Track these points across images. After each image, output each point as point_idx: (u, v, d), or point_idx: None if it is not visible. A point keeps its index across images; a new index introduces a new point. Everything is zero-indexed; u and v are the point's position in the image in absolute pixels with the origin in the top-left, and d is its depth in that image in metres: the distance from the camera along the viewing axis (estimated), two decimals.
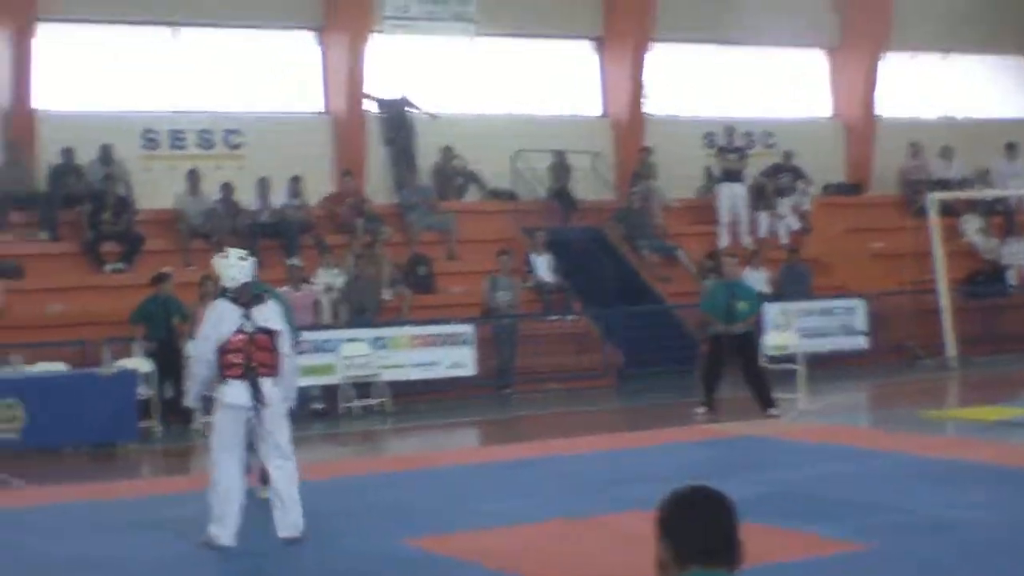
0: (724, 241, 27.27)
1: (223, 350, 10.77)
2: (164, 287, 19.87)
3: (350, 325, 21.56)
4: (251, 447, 11.19)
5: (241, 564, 10.41)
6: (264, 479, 11.78)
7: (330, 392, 20.96)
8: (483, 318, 22.74)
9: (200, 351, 11.01)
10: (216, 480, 10.85)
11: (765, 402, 18.28)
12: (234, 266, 11.04)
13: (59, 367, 19.13)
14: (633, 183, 27.32)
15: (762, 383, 18.51)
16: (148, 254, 22.46)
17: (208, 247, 23.18)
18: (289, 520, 10.88)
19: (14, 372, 18.35)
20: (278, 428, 11.03)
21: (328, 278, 22.64)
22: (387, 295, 22.97)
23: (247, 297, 10.93)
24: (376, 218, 24.68)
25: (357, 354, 20.96)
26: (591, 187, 27.37)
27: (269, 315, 10.98)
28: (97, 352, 19.39)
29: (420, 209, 25.20)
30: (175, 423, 19.45)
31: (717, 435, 16.42)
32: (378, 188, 26.07)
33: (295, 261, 22.66)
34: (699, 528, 3.74)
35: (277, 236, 23.61)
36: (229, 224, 23.35)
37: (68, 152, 23.38)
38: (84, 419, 17.36)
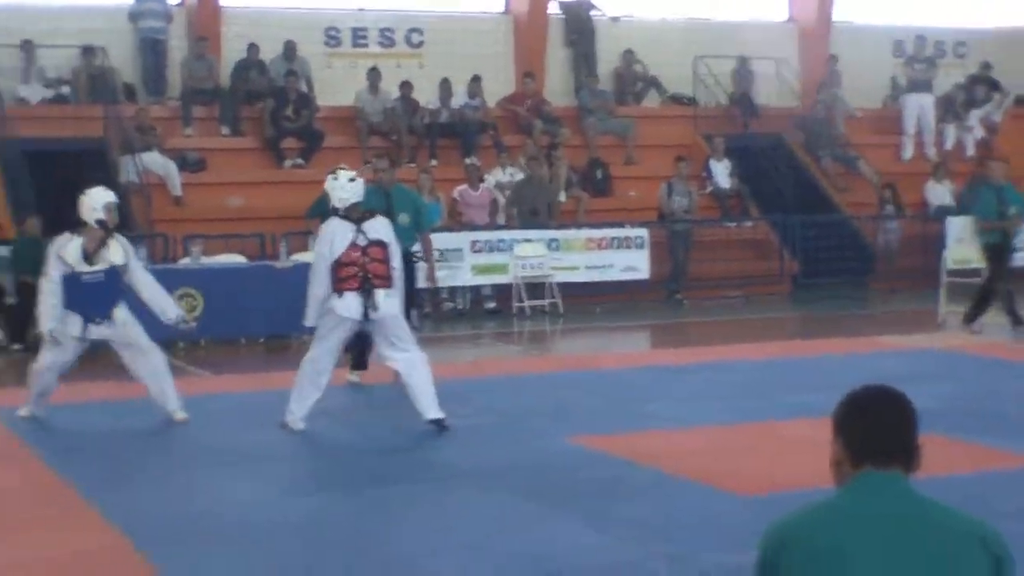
0: (908, 153, 26.77)
1: (338, 264, 10.97)
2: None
3: (522, 226, 21.52)
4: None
5: (410, 456, 10.48)
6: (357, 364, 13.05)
7: (503, 291, 21.01)
8: (658, 222, 22.58)
9: (316, 270, 11.23)
10: (311, 366, 11.32)
11: (972, 314, 17.66)
12: (344, 187, 11.23)
13: (237, 259, 19.43)
14: (817, 91, 26.84)
15: (985, 297, 17.80)
16: (326, 151, 22.63)
17: (386, 145, 23.36)
18: (427, 403, 11.17)
19: (193, 263, 18.67)
20: (396, 329, 11.30)
21: (504, 178, 22.63)
22: (563, 197, 22.91)
23: (357, 214, 11.16)
24: (554, 120, 24.61)
25: (531, 255, 20.95)
26: (773, 94, 26.95)
27: (380, 229, 11.22)
28: (274, 245, 19.66)
29: (599, 113, 25.05)
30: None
31: (890, 347, 16.14)
32: (557, 90, 25.97)
33: (472, 160, 22.69)
34: (875, 427, 3.61)
35: (455, 135, 23.66)
36: (407, 123, 23.43)
37: (252, 48, 23.63)
38: (259, 311, 17.63)
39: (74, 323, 11.68)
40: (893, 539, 3.44)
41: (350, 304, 11.05)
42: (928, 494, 3.58)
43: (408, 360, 11.27)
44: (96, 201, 11.72)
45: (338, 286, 11.04)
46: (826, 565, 3.42)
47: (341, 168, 11.64)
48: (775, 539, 3.55)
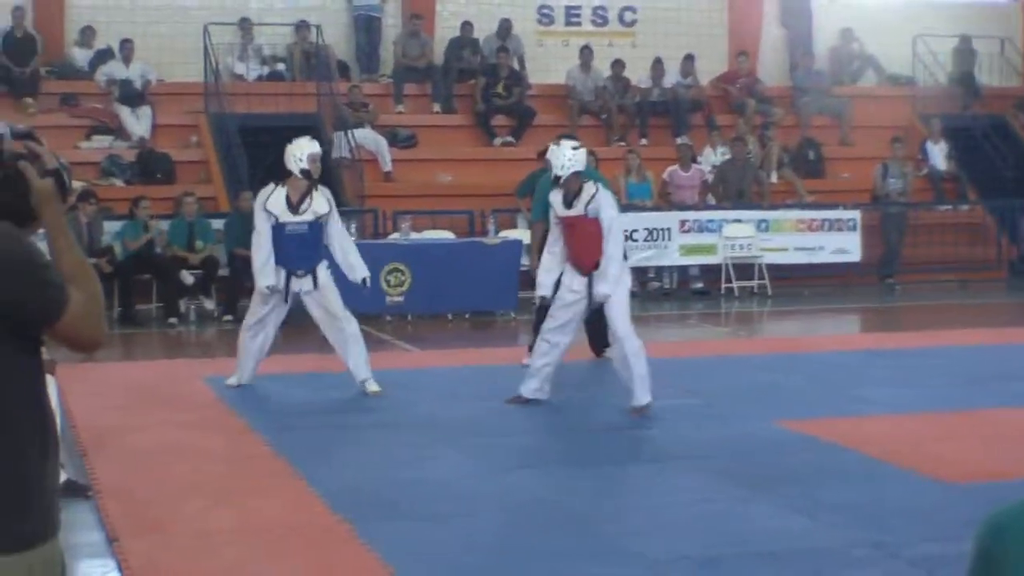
0: None
1: None
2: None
3: (727, 206, 21.28)
4: None
5: (618, 437, 10.43)
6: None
7: (711, 272, 20.82)
8: (871, 204, 22.16)
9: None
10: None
11: None
12: (566, 155, 11.11)
13: (446, 235, 19.56)
14: None
15: None
16: (537, 128, 22.65)
17: (597, 124, 23.32)
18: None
19: (403, 238, 18.84)
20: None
21: (716, 159, 22.42)
22: (774, 178, 22.62)
23: (576, 185, 11.08)
24: (767, 100, 24.30)
25: (740, 235, 20.73)
26: (996, 73, 26.25)
27: (595, 203, 11.09)
28: (483, 222, 19.75)
29: (813, 92, 24.66)
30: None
31: None
32: (771, 70, 25.64)
33: (684, 140, 22.52)
34: None
35: (666, 115, 23.51)
36: (618, 101, 23.34)
37: (466, 25, 23.74)
38: (466, 287, 17.72)
39: (278, 275, 11.88)
40: None
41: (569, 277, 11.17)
42: None
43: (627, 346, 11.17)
44: (301, 151, 11.86)
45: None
46: None
47: (565, 137, 11.63)
48: (993, 528, 3.32)
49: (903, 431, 10.52)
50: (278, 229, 11.83)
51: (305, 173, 11.78)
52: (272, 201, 11.89)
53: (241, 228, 18.18)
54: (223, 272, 18.25)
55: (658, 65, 23.78)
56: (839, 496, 8.49)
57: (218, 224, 18.65)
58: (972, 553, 3.39)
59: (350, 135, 21.08)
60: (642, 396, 11.00)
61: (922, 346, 15.16)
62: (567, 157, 11.11)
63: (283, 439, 10.23)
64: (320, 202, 11.93)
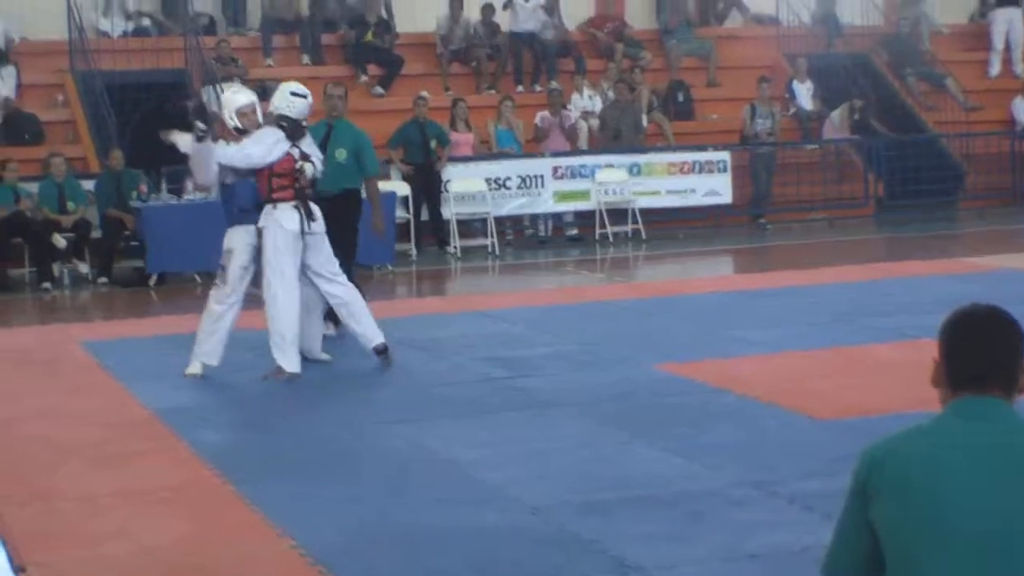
0: (995, 70, 26.32)
1: (272, 173, 10.78)
2: (421, 110, 19.91)
3: (603, 151, 21.39)
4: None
5: (496, 385, 10.48)
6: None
7: (585, 218, 20.93)
8: (741, 145, 22.38)
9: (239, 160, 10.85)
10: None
11: None
12: (286, 99, 10.97)
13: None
14: (902, 8, 26.43)
15: None
16: (406, 78, 22.58)
17: (467, 72, 23.28)
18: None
19: None
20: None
21: (585, 104, 22.49)
22: (644, 122, 22.73)
23: (292, 125, 10.90)
24: (635, 43, 24.38)
25: (613, 180, 20.84)
26: (858, 12, 26.53)
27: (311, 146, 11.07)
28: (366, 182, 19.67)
29: (680, 34, 24.79)
30: (429, 246, 19.71)
31: (978, 268, 15.94)
32: (638, 13, 25.72)
33: (554, 85, 22.56)
34: (975, 351, 3.47)
35: (534, 60, 23.49)
36: (488, 48, 23.26)
37: None
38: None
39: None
40: (991, 468, 3.35)
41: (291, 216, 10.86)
42: None
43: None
44: (230, 106, 11.14)
45: (274, 195, 10.82)
46: (920, 491, 3.34)
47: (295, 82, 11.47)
48: (869, 462, 3.46)
49: (779, 370, 10.69)
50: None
51: (239, 131, 11.03)
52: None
53: (113, 188, 18.00)
54: (96, 234, 18.02)
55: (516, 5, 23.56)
56: (719, 437, 8.63)
57: (89, 185, 18.39)
58: (850, 487, 3.49)
59: (219, 90, 20.85)
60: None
61: (794, 285, 15.38)
62: (287, 102, 10.97)
63: (162, 401, 10.17)
64: None
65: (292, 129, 10.92)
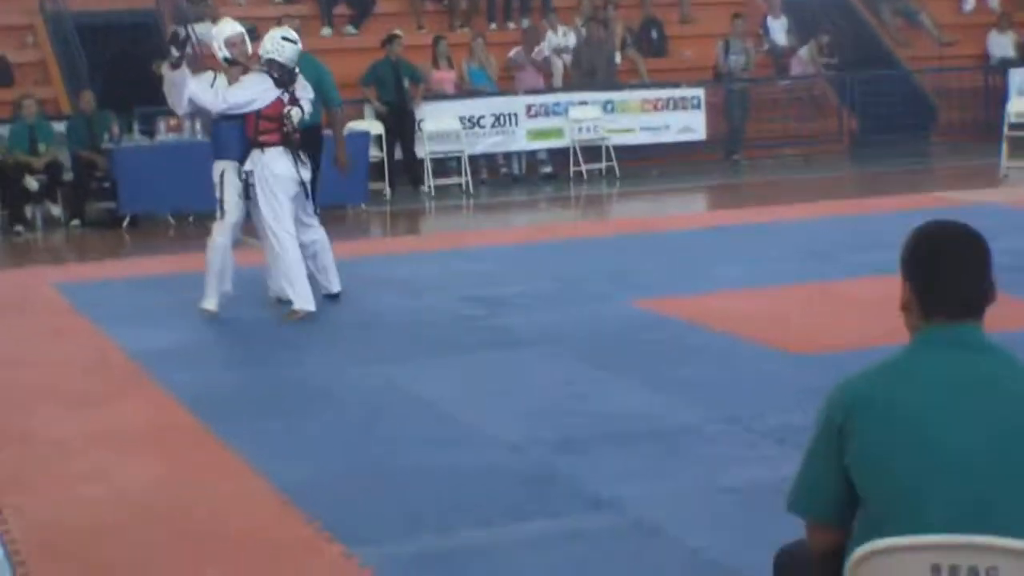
0: (970, 4, 26.27)
1: (260, 116, 10.73)
2: (394, 49, 19.80)
3: (581, 88, 21.32)
4: None
5: (472, 324, 10.49)
6: None
7: (559, 156, 20.88)
8: (714, 82, 22.33)
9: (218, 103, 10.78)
10: None
11: None
12: (277, 44, 10.91)
13: None
14: None
15: None
16: (380, 17, 22.45)
17: (441, 10, 23.16)
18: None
19: None
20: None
21: (559, 41, 22.38)
22: (618, 59, 22.66)
23: (280, 71, 10.84)
24: None
25: (586, 118, 20.79)
26: None
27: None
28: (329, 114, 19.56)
29: None
30: (403, 185, 19.66)
31: (951, 203, 15.97)
32: None
33: (527, 23, 22.46)
34: (947, 276, 3.36)
35: None
36: None
37: None
38: None
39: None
40: (974, 400, 3.30)
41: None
42: (1007, 350, 3.41)
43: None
44: (219, 37, 11.05)
45: (262, 139, 10.77)
46: (905, 430, 3.28)
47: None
48: (843, 404, 3.39)
49: (754, 306, 10.71)
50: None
51: (229, 61, 10.91)
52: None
53: (84, 130, 17.89)
54: (68, 176, 17.91)
55: None
56: (694, 373, 8.66)
57: (60, 127, 18.26)
58: (822, 428, 3.43)
59: (191, 29, 20.67)
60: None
61: (770, 221, 15.40)
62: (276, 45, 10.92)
63: (137, 342, 10.14)
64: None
65: (282, 74, 10.87)
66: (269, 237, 10.86)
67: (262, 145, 10.74)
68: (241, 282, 11.27)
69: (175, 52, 10.63)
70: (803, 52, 23.27)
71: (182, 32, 11.03)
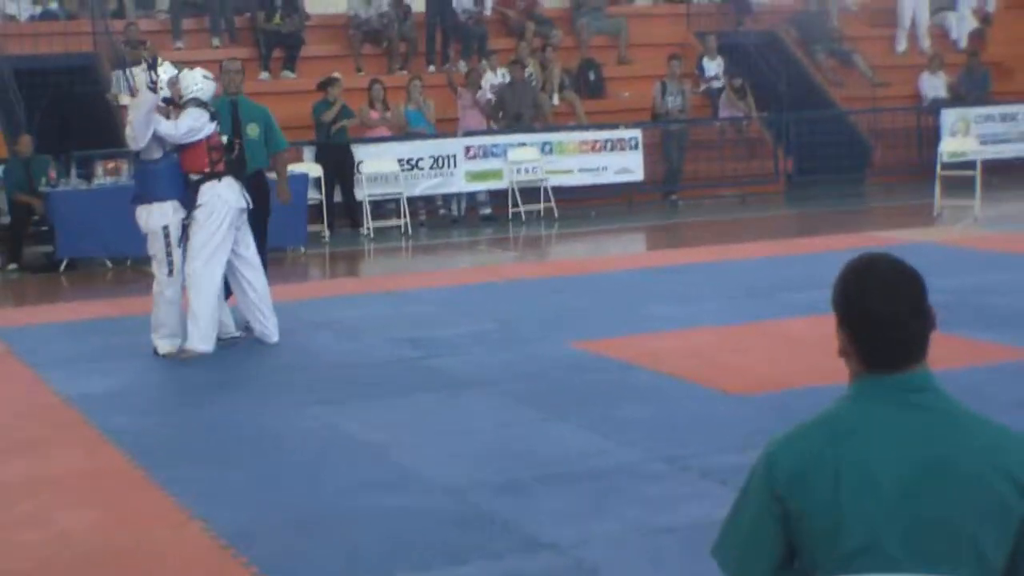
0: (902, 45, 26.58)
1: (210, 146, 10.96)
2: (333, 92, 19.83)
3: (513, 130, 21.38)
4: None
5: (410, 366, 10.48)
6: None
7: (498, 197, 20.94)
8: (652, 123, 22.48)
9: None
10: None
11: None
12: (199, 83, 11.15)
13: None
14: None
15: None
16: (319, 60, 22.46)
17: (379, 52, 23.20)
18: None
19: None
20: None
21: (497, 81, 22.47)
22: (556, 100, 22.78)
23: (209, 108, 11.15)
24: (547, 21, 24.42)
25: (525, 159, 20.87)
26: None
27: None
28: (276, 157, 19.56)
29: (591, 12, 24.84)
30: (342, 227, 19.66)
31: (887, 242, 16.10)
32: None
33: (462, 65, 22.57)
34: (886, 325, 3.09)
35: (451, 40, 23.40)
36: (399, 29, 23.17)
37: None
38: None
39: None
40: (918, 469, 3.07)
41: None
42: (956, 400, 3.18)
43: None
44: (162, 78, 11.04)
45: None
46: (849, 495, 3.06)
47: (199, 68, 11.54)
48: (780, 469, 3.16)
49: (691, 346, 10.76)
50: (166, 158, 11.00)
51: (167, 101, 11.02)
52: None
53: (22, 173, 17.79)
54: (5, 220, 17.81)
55: None
56: (632, 413, 8.68)
57: None
58: (754, 486, 3.23)
59: (129, 73, 20.65)
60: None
61: (708, 261, 15.47)
62: (199, 83, 11.14)
63: (74, 386, 10.09)
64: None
65: (211, 110, 11.09)
66: (192, 267, 10.87)
67: (218, 175, 10.84)
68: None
69: (152, 76, 10.69)
70: (723, 96, 23.44)
71: (150, 59, 11.13)
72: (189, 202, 10.96)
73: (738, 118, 23.36)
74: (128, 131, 11.13)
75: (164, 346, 11.01)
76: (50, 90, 19.86)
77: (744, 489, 3.27)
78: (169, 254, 10.91)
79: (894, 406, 3.13)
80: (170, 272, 10.92)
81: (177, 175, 11.01)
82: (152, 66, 10.93)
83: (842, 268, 3.24)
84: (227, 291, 11.51)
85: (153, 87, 10.77)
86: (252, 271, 11.25)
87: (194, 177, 11.01)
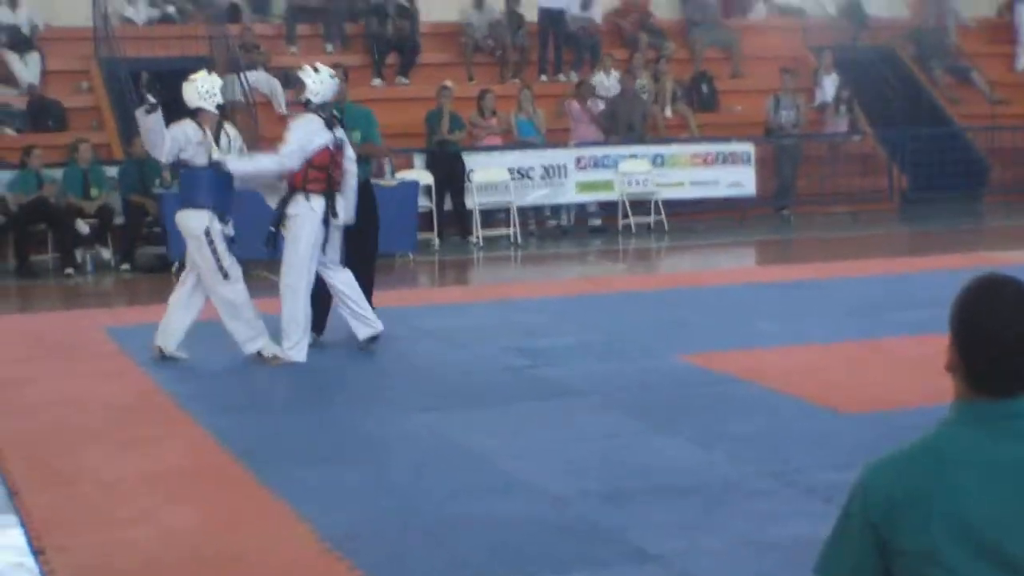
0: (1022, 63, 26.21)
1: (310, 165, 10.87)
2: (444, 100, 19.90)
3: (625, 142, 21.32)
4: None
5: (518, 375, 10.47)
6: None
7: (608, 209, 20.90)
8: (765, 137, 22.33)
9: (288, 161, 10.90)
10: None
11: None
12: (324, 82, 11.05)
13: None
14: (928, 1, 26.32)
15: None
16: (430, 67, 22.55)
17: (491, 61, 23.26)
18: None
19: None
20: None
21: (609, 82, 22.43)
22: (668, 113, 22.71)
23: (328, 114, 11.02)
24: (660, 33, 24.34)
25: (636, 171, 20.81)
26: (884, 4, 26.45)
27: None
28: (379, 163, 19.68)
29: (705, 25, 24.74)
30: (452, 236, 19.71)
31: (1002, 263, 15.83)
32: (663, 3, 25.66)
33: (574, 76, 22.57)
34: (994, 341, 3.00)
35: (565, 48, 23.43)
36: (512, 38, 23.23)
37: None
38: None
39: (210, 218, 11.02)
40: (1015, 504, 2.96)
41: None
42: None
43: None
44: (212, 84, 11.14)
45: (308, 187, 10.94)
46: (946, 529, 2.96)
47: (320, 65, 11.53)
48: (876, 499, 3.07)
49: (800, 362, 10.66)
50: (215, 166, 10.97)
51: (221, 108, 11.13)
52: (194, 134, 11.05)
53: (136, 175, 18.03)
54: (119, 221, 18.06)
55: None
56: (739, 428, 8.61)
57: (112, 171, 18.43)
58: (852, 512, 3.15)
59: (243, 78, 20.90)
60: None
61: (819, 277, 15.33)
62: (324, 84, 11.12)
63: (183, 388, 10.20)
64: (236, 139, 11.37)
65: (329, 116, 11.02)
66: (287, 280, 10.92)
67: (308, 192, 10.84)
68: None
69: (150, 99, 10.70)
70: (829, 110, 23.23)
71: (152, 79, 11.15)
72: (276, 218, 10.99)
73: (846, 134, 23.11)
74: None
75: (266, 348, 11.00)
76: (165, 92, 20.04)
77: (844, 512, 3.20)
78: (219, 259, 10.86)
79: (997, 434, 3.03)
80: (225, 276, 10.90)
81: (220, 184, 10.96)
82: (152, 88, 10.93)
83: (965, 285, 3.16)
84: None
85: (152, 108, 10.73)
86: (340, 273, 11.27)
87: (286, 188, 11.03)
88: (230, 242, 11.00)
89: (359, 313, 11.24)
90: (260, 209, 11.36)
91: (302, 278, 10.90)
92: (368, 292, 11.52)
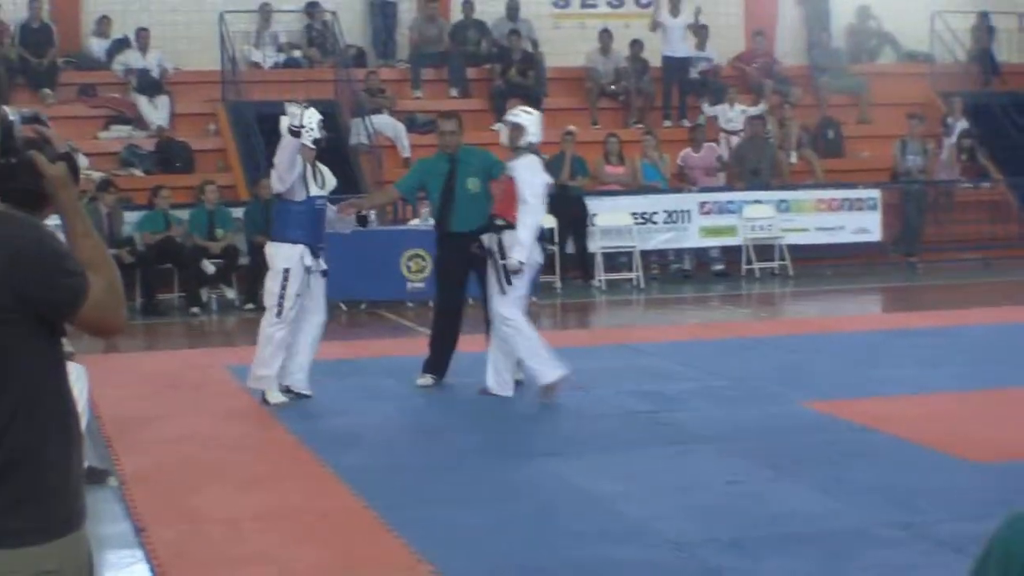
0: None
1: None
2: (566, 146, 19.90)
3: (749, 187, 21.18)
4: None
5: (642, 419, 10.40)
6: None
7: (731, 253, 20.76)
8: (891, 183, 22.07)
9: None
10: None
11: None
12: (537, 123, 11.25)
13: None
14: None
15: None
16: (555, 112, 22.55)
17: (616, 106, 23.26)
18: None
19: (423, 224, 18.77)
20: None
21: (735, 115, 22.35)
22: (793, 158, 22.55)
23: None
24: (785, 80, 24.21)
25: (760, 216, 20.66)
26: (1016, 50, 26.10)
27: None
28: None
29: (831, 71, 24.56)
30: (574, 279, 19.67)
31: None
32: (789, 49, 25.53)
33: (699, 120, 22.51)
34: None
35: (687, 94, 23.41)
36: (636, 83, 23.22)
37: (467, 6, 23.53)
38: None
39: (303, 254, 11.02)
40: None
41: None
42: None
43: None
44: (310, 119, 10.90)
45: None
46: None
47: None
48: (1019, 553, 2.98)
49: (929, 411, 10.48)
50: (308, 202, 10.98)
51: (317, 142, 10.98)
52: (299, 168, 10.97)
53: (261, 216, 18.16)
54: (243, 260, 18.24)
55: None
56: (866, 477, 8.47)
57: (237, 212, 18.64)
58: (991, 563, 3.07)
59: (368, 121, 21.05)
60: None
61: (946, 325, 15.11)
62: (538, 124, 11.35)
63: (306, 425, 10.23)
64: (329, 175, 11.35)
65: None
66: (500, 321, 11.02)
67: (512, 225, 10.94)
68: (408, 369, 11.34)
69: (295, 122, 10.72)
70: (943, 154, 22.90)
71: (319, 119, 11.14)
72: (487, 251, 11.14)
73: (976, 180, 22.76)
74: (273, 174, 11.14)
75: (275, 397, 11.00)
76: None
77: (980, 563, 3.10)
78: (282, 297, 10.87)
79: None
80: (279, 314, 10.90)
81: (313, 221, 11.00)
82: (320, 125, 10.95)
83: None
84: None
85: (297, 132, 10.73)
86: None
87: (499, 222, 11.08)
88: (323, 275, 11.07)
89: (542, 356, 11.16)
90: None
91: (519, 310, 11.08)
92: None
